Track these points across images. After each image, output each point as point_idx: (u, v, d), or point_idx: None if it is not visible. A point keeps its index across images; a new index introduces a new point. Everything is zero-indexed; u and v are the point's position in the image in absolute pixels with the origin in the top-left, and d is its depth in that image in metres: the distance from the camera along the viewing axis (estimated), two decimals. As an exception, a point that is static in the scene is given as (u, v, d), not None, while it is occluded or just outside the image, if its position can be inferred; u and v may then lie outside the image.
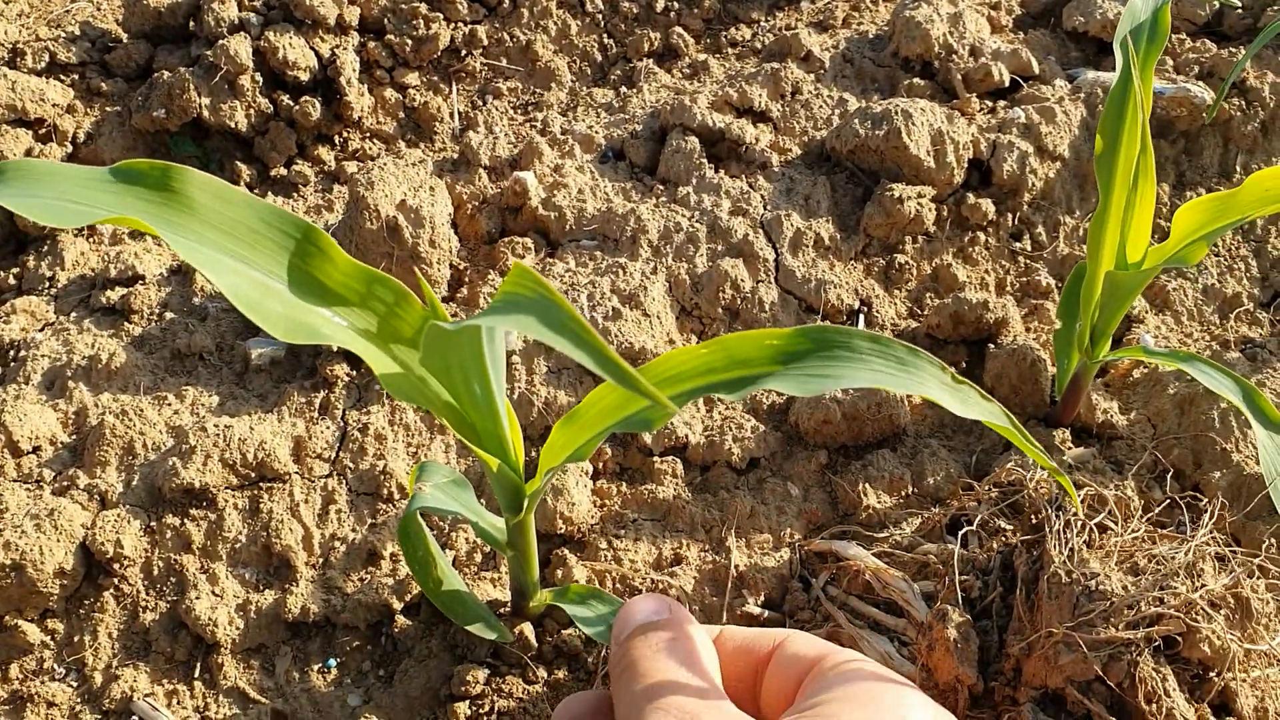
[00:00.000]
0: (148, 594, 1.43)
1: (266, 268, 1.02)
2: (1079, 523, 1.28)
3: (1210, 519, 1.28)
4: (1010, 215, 1.83)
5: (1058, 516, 1.30)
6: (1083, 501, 1.35)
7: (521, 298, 0.89)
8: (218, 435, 1.50)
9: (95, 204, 0.97)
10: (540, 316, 0.84)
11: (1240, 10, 2.05)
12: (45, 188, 0.99)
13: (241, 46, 1.91)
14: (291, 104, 1.94)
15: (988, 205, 1.80)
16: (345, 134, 2.00)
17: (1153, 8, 1.43)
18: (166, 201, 1.00)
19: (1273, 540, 1.41)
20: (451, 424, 1.12)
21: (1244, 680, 1.18)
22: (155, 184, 1.00)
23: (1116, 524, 1.33)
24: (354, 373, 1.63)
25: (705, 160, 1.83)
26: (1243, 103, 1.91)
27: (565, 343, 0.80)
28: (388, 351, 1.08)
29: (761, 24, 2.21)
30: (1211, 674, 1.17)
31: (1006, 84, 1.95)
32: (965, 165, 1.81)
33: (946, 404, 1.00)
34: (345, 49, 1.98)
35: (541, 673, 1.37)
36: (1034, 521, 1.37)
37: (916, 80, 1.98)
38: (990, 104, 1.95)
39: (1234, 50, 1.96)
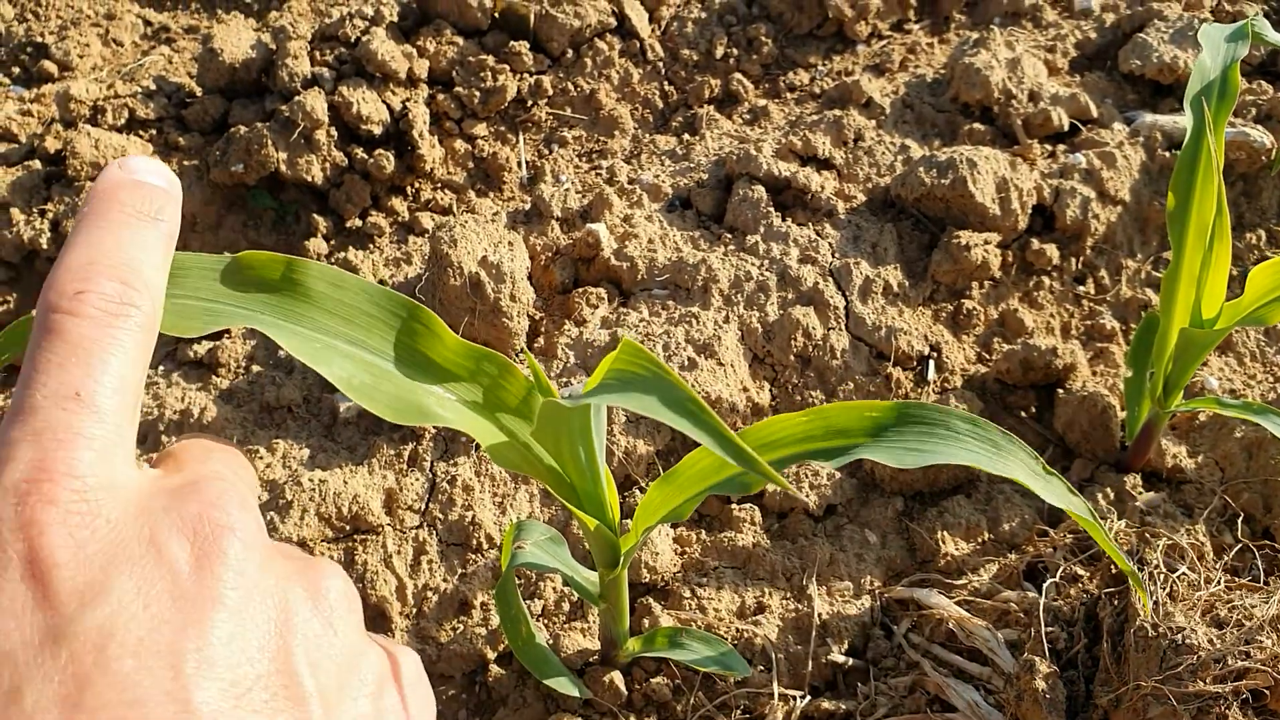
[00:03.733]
0: (249, 645, 1.48)
1: (379, 349, 1.07)
2: (1161, 575, 1.32)
3: (1291, 571, 1.31)
4: (1074, 259, 1.86)
5: (1140, 569, 1.33)
6: (1162, 551, 1.39)
7: (635, 376, 0.95)
8: (313, 489, 1.55)
9: (218, 298, 1.01)
10: (661, 397, 0.89)
11: (1295, 52, 2.08)
12: (171, 285, 1.03)
13: (317, 102, 1.96)
14: (366, 157, 1.99)
15: (1052, 250, 1.84)
16: (418, 185, 2.05)
17: (1222, 66, 1.47)
18: (287, 292, 1.04)
19: (1348, 587, 1.44)
20: (553, 487, 1.16)
21: (1329, 731, 1.22)
22: (274, 274, 1.05)
23: (1196, 573, 1.36)
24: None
25: (772, 209, 1.88)
26: (1301, 144, 1.94)
27: (686, 423, 0.85)
28: (494, 421, 1.13)
29: (819, 68, 2.25)
30: (1298, 726, 1.21)
31: (1065, 128, 1.98)
32: (1029, 211, 1.84)
33: (1035, 489, 1.04)
34: (416, 102, 2.04)
35: (633, 721, 1.41)
36: (1114, 572, 1.41)
37: (977, 126, 2.01)
38: (1050, 148, 1.98)
39: (1291, 93, 1.99)
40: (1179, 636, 1.23)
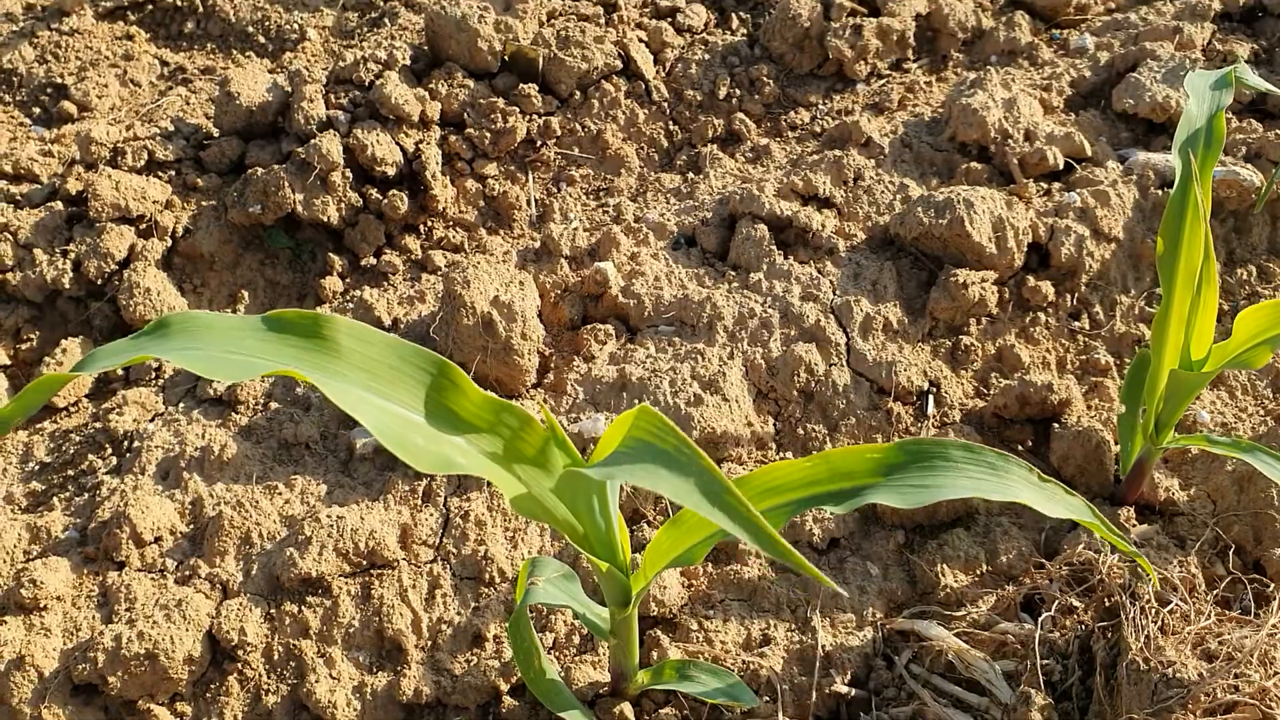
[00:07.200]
0: (269, 678, 1.53)
1: (406, 402, 1.13)
2: (1153, 609, 1.37)
3: (1278, 606, 1.36)
4: (1069, 296, 1.91)
5: (1132, 603, 1.38)
6: (1152, 584, 1.43)
7: (659, 450, 1.01)
8: (331, 525, 1.60)
9: (253, 354, 1.09)
10: (696, 485, 0.96)
11: (1284, 91, 2.13)
12: (205, 340, 1.10)
13: (332, 145, 2.02)
14: (380, 197, 2.05)
15: (1047, 287, 1.89)
16: (430, 224, 2.11)
17: (1208, 114, 1.52)
18: (316, 348, 1.11)
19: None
20: (569, 535, 1.22)
21: (1316, 761, 1.26)
22: (305, 331, 1.11)
23: (1186, 605, 1.41)
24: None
25: (774, 247, 1.93)
26: (1289, 182, 1.99)
27: (722, 517, 0.92)
28: (513, 472, 1.18)
29: (819, 107, 2.31)
30: (1285, 756, 1.25)
31: (1061, 167, 2.04)
32: (1025, 249, 1.89)
33: (1037, 505, 1.10)
34: (429, 144, 2.10)
35: (643, 751, 1.46)
36: (1107, 605, 1.46)
37: (974, 165, 2.07)
38: (1046, 186, 2.04)
39: (1278, 131, 2.04)
40: (1169, 670, 1.27)
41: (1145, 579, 1.43)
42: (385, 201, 2.05)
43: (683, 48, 2.38)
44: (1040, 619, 1.46)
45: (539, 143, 2.20)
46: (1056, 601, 1.49)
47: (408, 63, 2.19)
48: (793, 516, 1.17)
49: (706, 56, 2.36)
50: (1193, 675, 1.26)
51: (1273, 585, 1.47)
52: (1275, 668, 1.26)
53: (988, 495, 1.12)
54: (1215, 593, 1.48)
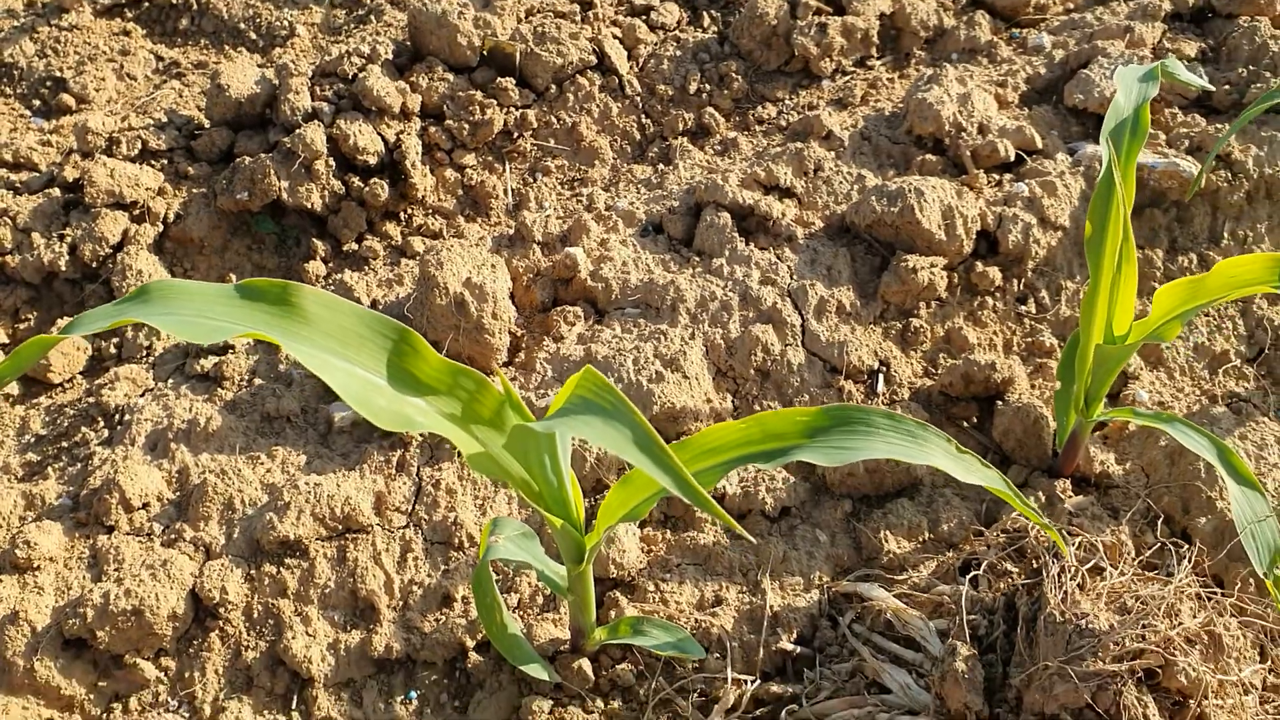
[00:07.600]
0: (249, 635, 1.62)
1: (370, 366, 1.23)
2: (1073, 568, 1.46)
3: (1189, 564, 1.45)
4: (1016, 281, 2.01)
5: (1054, 562, 1.47)
6: (1079, 547, 1.53)
7: (598, 405, 1.11)
8: (309, 492, 1.70)
9: (226, 319, 1.18)
10: (629, 436, 1.06)
11: (1226, 87, 2.22)
12: (183, 305, 1.20)
13: (317, 134, 2.11)
14: (362, 185, 2.15)
15: (995, 273, 1.98)
16: (410, 211, 2.21)
17: (1134, 105, 1.61)
18: (286, 314, 1.21)
19: (1251, 580, 1.57)
20: (524, 493, 1.32)
21: (1220, 707, 1.35)
22: (275, 299, 1.21)
23: (1109, 568, 1.50)
24: (426, 432, 1.82)
25: (737, 234, 2.02)
26: (1228, 174, 2.08)
27: (649, 464, 1.01)
28: (469, 432, 1.28)
29: (786, 102, 2.40)
30: (1190, 702, 1.34)
31: (1012, 159, 2.13)
32: (974, 236, 1.99)
33: (952, 471, 1.20)
34: (409, 134, 2.19)
35: (599, 704, 1.56)
36: (1034, 566, 1.55)
37: (929, 156, 2.16)
38: (997, 177, 2.13)
39: (1219, 126, 2.13)
40: (1083, 622, 1.37)
41: (1069, 543, 1.52)
42: (367, 189, 2.14)
43: (655, 44, 2.48)
44: (970, 577, 1.56)
45: (516, 134, 2.30)
46: (988, 564, 1.59)
47: (390, 57, 2.29)
48: (729, 471, 1.27)
49: (678, 53, 2.46)
50: (1104, 626, 1.36)
51: (1191, 544, 1.56)
52: (1180, 619, 1.35)
53: (905, 459, 1.22)
54: (1143, 558, 1.57)
